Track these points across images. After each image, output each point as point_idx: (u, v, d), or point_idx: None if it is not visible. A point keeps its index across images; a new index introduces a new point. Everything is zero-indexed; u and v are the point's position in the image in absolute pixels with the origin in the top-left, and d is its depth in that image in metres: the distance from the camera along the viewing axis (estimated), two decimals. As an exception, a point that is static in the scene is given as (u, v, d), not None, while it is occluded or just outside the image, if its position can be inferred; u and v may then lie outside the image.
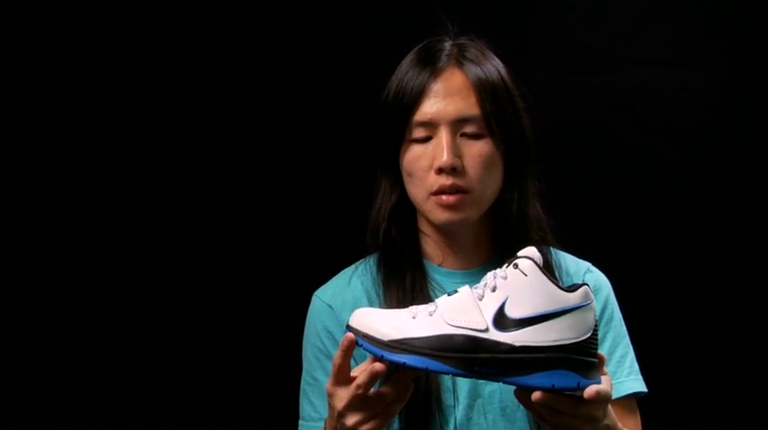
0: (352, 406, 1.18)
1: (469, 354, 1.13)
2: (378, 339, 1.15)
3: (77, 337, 2.23)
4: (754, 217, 2.30)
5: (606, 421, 1.22)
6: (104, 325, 2.24)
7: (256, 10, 2.27)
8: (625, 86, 2.29)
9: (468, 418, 1.38)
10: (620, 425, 1.27)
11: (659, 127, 2.30)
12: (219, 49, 2.27)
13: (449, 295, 1.18)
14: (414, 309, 1.18)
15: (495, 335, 1.13)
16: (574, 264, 1.49)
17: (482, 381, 1.38)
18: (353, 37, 2.28)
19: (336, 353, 1.18)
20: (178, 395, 2.24)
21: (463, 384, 1.38)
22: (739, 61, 2.30)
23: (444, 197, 1.37)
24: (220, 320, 2.26)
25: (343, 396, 1.19)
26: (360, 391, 1.17)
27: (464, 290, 1.18)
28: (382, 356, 1.14)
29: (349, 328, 1.18)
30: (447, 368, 1.14)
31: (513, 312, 1.14)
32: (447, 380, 1.38)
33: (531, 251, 1.17)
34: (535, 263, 1.15)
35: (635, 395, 1.44)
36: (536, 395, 1.13)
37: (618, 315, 1.48)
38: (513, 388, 1.38)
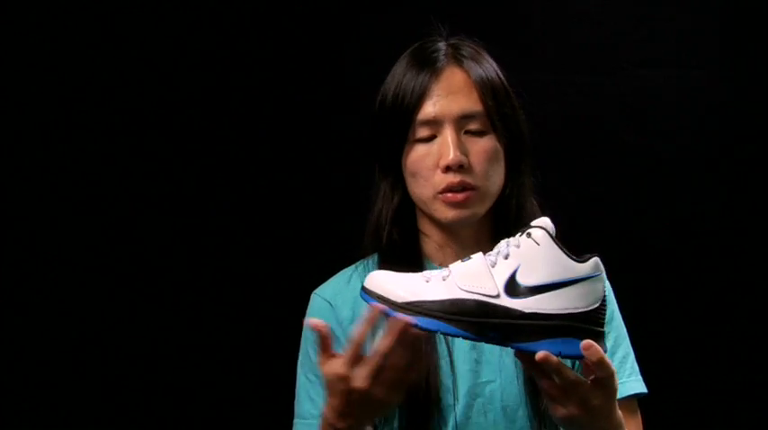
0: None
1: (480, 319, 1.15)
2: (391, 301, 1.16)
3: (77, 337, 2.23)
4: (754, 217, 2.30)
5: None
6: (103, 324, 2.24)
7: (255, 13, 2.28)
8: (625, 86, 2.29)
9: (467, 417, 1.38)
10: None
11: (659, 127, 2.30)
12: (219, 49, 2.27)
13: (462, 261, 1.19)
14: (427, 273, 1.19)
15: (507, 301, 1.15)
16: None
17: (482, 381, 1.39)
18: (350, 40, 2.28)
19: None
20: (176, 395, 2.24)
21: (463, 383, 1.38)
22: (740, 61, 2.30)
23: (451, 194, 1.37)
24: (219, 320, 2.25)
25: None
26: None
27: (477, 256, 1.19)
28: (395, 316, 1.15)
29: (364, 289, 1.18)
30: (458, 331, 1.15)
31: (524, 280, 1.15)
32: (447, 379, 1.37)
33: (544, 221, 1.19)
34: (548, 232, 1.16)
35: (636, 396, 1.44)
36: (540, 354, 1.13)
37: (618, 315, 1.47)
38: (514, 387, 1.38)
